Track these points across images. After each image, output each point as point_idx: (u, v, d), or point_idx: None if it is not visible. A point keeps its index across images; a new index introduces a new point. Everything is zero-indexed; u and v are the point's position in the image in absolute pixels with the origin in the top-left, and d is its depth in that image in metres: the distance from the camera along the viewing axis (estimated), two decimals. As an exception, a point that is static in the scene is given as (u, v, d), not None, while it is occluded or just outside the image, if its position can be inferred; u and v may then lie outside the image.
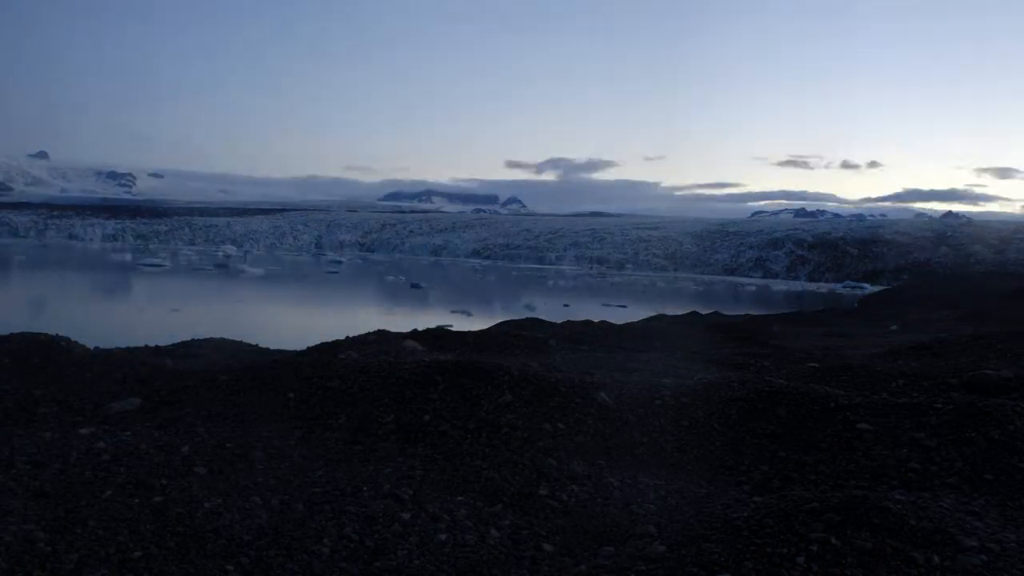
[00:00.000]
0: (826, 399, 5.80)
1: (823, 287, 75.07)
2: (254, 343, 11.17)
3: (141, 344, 9.56)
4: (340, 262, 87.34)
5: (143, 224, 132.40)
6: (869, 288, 67.88)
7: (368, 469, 4.59)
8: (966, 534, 3.32)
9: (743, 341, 12.91)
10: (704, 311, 24.54)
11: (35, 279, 48.38)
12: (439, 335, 10.44)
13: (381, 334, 10.60)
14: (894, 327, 16.53)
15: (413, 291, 42.12)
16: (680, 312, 22.99)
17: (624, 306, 36.64)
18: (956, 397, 5.66)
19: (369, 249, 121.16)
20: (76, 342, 8.18)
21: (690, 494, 4.49)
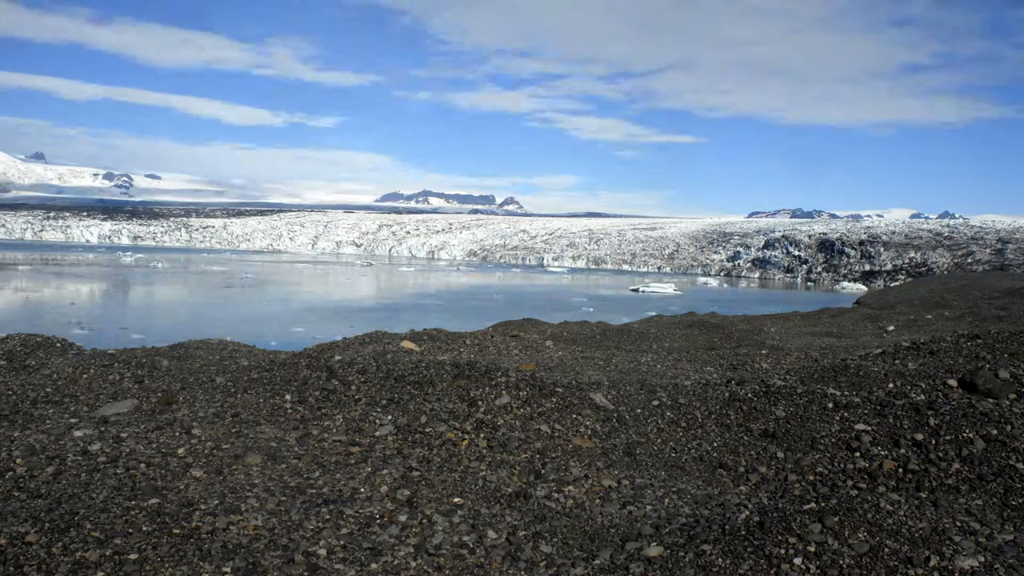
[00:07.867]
0: (824, 399, 5.80)
1: (820, 287, 75.27)
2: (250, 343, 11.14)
3: (137, 345, 9.54)
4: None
5: (140, 225, 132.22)
6: (866, 288, 68.13)
7: (365, 471, 4.59)
8: (964, 535, 3.32)
9: (740, 341, 12.90)
10: (701, 311, 24.54)
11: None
12: (436, 336, 10.42)
13: (378, 335, 10.58)
14: (891, 327, 16.53)
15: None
16: (677, 313, 22.96)
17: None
18: (954, 397, 5.67)
19: (369, 249, 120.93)
20: (72, 343, 8.17)
21: (688, 495, 4.49)
